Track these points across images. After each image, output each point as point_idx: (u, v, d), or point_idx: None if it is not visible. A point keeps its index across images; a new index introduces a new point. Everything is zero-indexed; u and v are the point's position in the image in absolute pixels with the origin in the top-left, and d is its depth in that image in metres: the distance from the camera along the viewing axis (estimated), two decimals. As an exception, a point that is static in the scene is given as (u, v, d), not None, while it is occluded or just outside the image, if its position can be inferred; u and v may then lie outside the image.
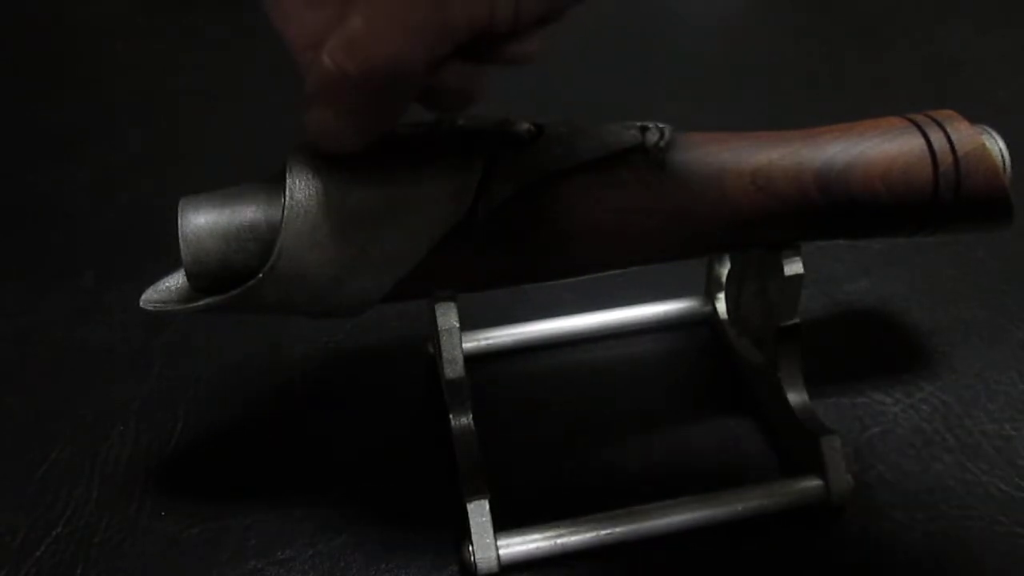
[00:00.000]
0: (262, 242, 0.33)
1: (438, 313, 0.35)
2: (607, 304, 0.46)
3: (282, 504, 0.38)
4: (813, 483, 0.37)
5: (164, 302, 0.34)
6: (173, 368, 0.45)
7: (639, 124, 0.35)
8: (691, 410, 0.42)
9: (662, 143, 0.35)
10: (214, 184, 0.35)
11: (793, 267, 0.36)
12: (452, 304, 0.35)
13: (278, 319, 0.46)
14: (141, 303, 0.34)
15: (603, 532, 0.36)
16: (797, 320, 0.38)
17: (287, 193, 0.32)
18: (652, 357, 0.45)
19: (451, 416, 0.37)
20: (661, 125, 0.36)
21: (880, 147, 0.36)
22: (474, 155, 0.33)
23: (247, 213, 0.33)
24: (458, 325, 0.35)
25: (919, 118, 0.37)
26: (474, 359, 0.44)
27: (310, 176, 0.32)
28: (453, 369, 0.36)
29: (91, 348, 0.46)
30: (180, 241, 0.33)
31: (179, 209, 0.33)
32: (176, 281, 0.35)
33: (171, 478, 0.40)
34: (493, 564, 0.35)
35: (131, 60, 0.70)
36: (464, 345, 0.43)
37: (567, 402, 0.43)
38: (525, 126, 0.35)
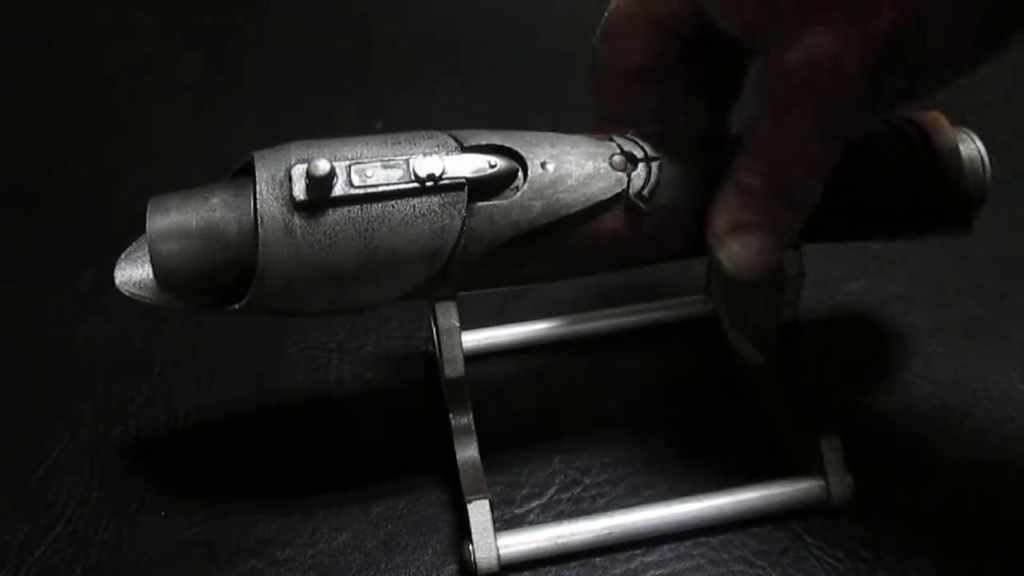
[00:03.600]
0: (235, 275, 0.33)
1: (438, 313, 0.35)
2: (607, 304, 0.46)
3: (282, 504, 0.38)
4: (813, 483, 0.37)
5: (141, 294, 0.34)
6: (173, 368, 0.45)
7: (625, 151, 0.34)
8: (691, 410, 0.42)
9: (645, 192, 0.34)
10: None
11: (793, 267, 0.36)
12: (452, 304, 0.35)
13: (277, 319, 0.46)
14: (118, 283, 0.34)
15: (603, 532, 0.36)
16: (797, 320, 0.38)
17: (261, 250, 0.32)
18: (652, 357, 0.45)
19: (451, 416, 0.37)
20: (652, 157, 0.34)
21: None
22: (451, 215, 0.32)
23: (219, 254, 0.32)
24: (458, 325, 0.35)
25: (901, 123, 0.37)
26: (474, 358, 0.44)
27: (282, 233, 0.31)
28: (453, 368, 0.36)
29: (91, 348, 0.46)
30: (152, 268, 0.33)
31: (148, 236, 0.32)
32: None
33: (171, 478, 0.40)
34: (494, 564, 0.35)
35: (131, 60, 0.70)
36: (464, 344, 0.43)
37: (567, 402, 0.43)
38: (506, 172, 0.33)
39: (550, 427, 0.41)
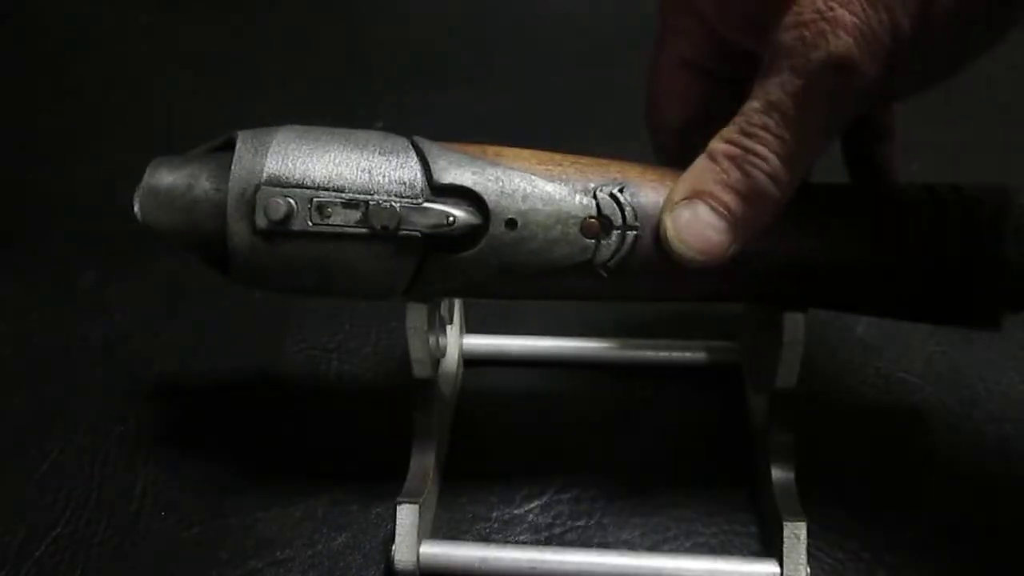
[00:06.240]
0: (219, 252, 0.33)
1: (408, 313, 0.35)
2: (638, 333, 0.44)
3: (282, 504, 0.38)
4: (767, 569, 0.34)
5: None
6: (173, 368, 0.45)
7: (603, 214, 0.32)
8: (690, 461, 0.40)
9: (611, 264, 0.32)
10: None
11: (793, 332, 0.33)
12: (423, 307, 0.35)
13: (277, 319, 0.46)
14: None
15: (527, 565, 0.35)
16: (793, 386, 0.34)
17: (230, 255, 0.33)
18: (669, 398, 0.43)
19: (415, 415, 0.36)
20: (630, 226, 0.32)
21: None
22: (403, 263, 0.32)
23: (200, 237, 0.34)
24: (425, 327, 0.35)
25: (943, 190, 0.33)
26: (477, 361, 0.44)
27: (247, 248, 0.32)
28: (421, 369, 0.36)
29: (91, 347, 0.46)
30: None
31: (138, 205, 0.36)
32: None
33: (171, 479, 0.40)
34: (412, 569, 0.35)
35: (130, 60, 0.70)
36: (472, 348, 0.43)
37: (567, 413, 0.43)
38: (464, 229, 0.32)
39: (552, 428, 0.41)
